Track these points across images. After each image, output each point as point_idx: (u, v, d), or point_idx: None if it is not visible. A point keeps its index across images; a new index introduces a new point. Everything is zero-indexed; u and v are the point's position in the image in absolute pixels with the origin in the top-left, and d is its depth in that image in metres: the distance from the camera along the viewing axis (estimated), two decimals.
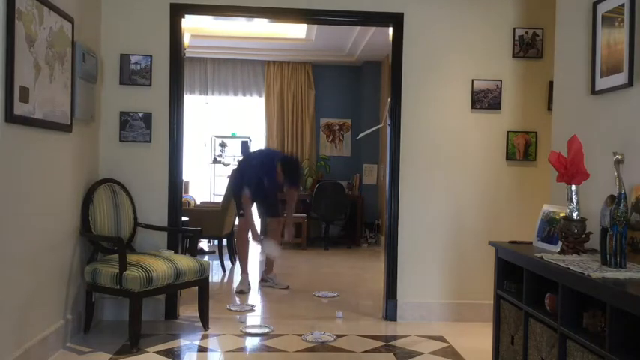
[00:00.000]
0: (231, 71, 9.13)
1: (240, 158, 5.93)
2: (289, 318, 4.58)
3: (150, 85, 4.35)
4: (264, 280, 5.68)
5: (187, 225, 5.51)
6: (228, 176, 6.58)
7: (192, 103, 8.83)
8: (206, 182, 9.41)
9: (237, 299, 5.17)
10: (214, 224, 6.32)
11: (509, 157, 4.53)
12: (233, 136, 9.21)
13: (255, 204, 5.62)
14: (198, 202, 7.86)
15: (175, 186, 4.42)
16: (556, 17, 3.48)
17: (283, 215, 5.85)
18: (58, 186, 3.59)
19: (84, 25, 3.90)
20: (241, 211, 5.57)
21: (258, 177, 5.44)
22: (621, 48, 2.67)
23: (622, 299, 1.95)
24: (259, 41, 8.31)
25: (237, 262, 6.00)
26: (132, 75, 4.33)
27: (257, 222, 5.85)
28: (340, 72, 9.27)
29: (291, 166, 5.50)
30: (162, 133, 4.37)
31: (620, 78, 2.69)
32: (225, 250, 6.78)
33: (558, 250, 2.71)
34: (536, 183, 4.45)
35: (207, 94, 9.16)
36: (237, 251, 5.81)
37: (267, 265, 5.74)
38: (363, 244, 8.61)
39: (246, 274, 5.56)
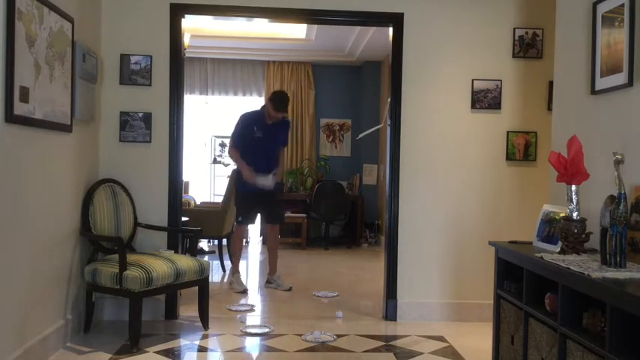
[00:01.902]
0: (231, 71, 9.13)
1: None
2: (289, 318, 4.58)
3: (150, 85, 4.35)
4: (268, 282, 5.68)
5: (187, 225, 5.51)
6: (229, 176, 6.53)
7: (192, 103, 8.83)
8: (206, 182, 9.41)
9: (241, 299, 5.16)
10: (214, 224, 6.32)
11: (509, 157, 4.53)
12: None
13: (259, 210, 5.63)
14: (198, 202, 7.86)
15: (175, 186, 4.42)
16: (556, 17, 3.49)
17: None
18: (58, 186, 3.59)
19: (84, 25, 3.90)
20: (240, 218, 5.59)
21: (248, 131, 5.43)
22: (621, 48, 2.67)
23: (622, 299, 1.95)
24: (259, 41, 8.30)
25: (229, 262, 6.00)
26: (132, 75, 4.33)
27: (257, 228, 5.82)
28: (340, 72, 9.26)
29: (278, 94, 5.56)
30: (162, 133, 4.37)
31: (620, 78, 2.69)
32: (225, 250, 6.77)
33: (558, 250, 2.71)
34: (536, 183, 4.45)
35: (207, 94, 9.15)
36: (231, 250, 5.83)
37: (271, 267, 5.76)
38: (363, 244, 8.60)
39: (239, 273, 5.61)
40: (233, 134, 5.52)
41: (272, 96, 5.53)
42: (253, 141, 5.47)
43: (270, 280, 5.69)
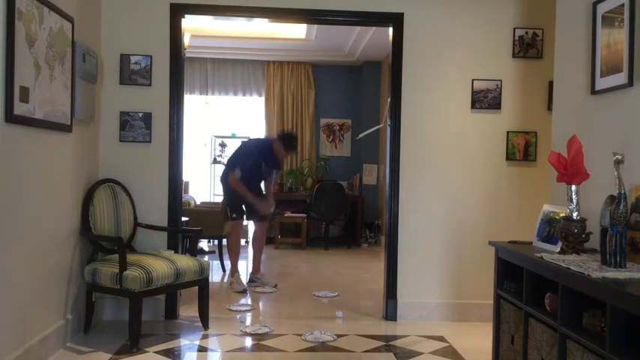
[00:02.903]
0: (231, 71, 9.13)
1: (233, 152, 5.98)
2: (289, 318, 4.58)
3: (150, 85, 4.35)
4: (252, 281, 5.69)
5: (187, 225, 5.52)
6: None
7: (192, 103, 8.83)
8: (206, 182, 9.41)
9: (241, 299, 5.16)
10: (214, 224, 6.33)
11: (509, 157, 4.53)
12: (233, 136, 9.21)
13: (245, 209, 5.68)
14: (198, 202, 7.86)
15: (175, 186, 4.42)
16: (556, 17, 3.49)
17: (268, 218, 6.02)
18: (58, 186, 3.59)
19: (84, 25, 3.90)
20: (234, 215, 5.63)
21: (256, 161, 5.55)
22: (621, 48, 2.67)
23: (622, 299, 1.95)
24: (259, 41, 8.31)
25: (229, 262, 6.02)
26: (132, 75, 4.33)
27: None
28: (340, 72, 9.26)
29: (290, 137, 5.77)
30: (162, 133, 4.37)
31: (620, 78, 2.69)
32: (225, 250, 6.77)
33: (558, 250, 2.71)
34: (536, 183, 4.45)
35: (207, 94, 9.16)
36: (230, 249, 5.83)
37: (255, 266, 5.79)
38: (363, 244, 8.60)
39: (239, 273, 5.63)
40: (240, 162, 5.53)
41: (284, 138, 5.70)
42: (256, 171, 5.62)
43: (253, 279, 5.70)
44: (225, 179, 5.71)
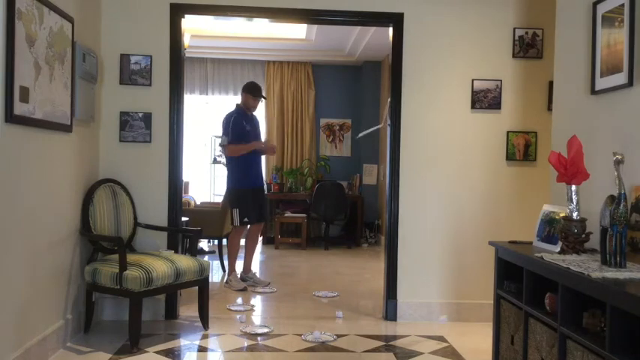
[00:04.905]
0: (231, 71, 9.13)
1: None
2: (289, 318, 4.58)
3: (150, 85, 4.35)
4: (243, 280, 5.69)
5: (187, 225, 5.52)
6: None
7: (192, 103, 8.83)
8: (206, 182, 9.41)
9: (240, 299, 5.17)
10: (214, 224, 6.32)
11: (509, 157, 4.53)
12: None
13: (255, 206, 5.66)
14: (198, 202, 7.86)
15: (175, 186, 4.42)
16: (556, 17, 3.49)
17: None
18: (58, 186, 3.59)
19: (84, 25, 3.90)
20: (246, 219, 5.58)
21: (247, 130, 5.58)
22: (621, 48, 2.67)
23: (622, 299, 1.95)
24: (259, 41, 8.31)
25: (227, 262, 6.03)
26: (132, 75, 4.33)
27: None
28: (340, 72, 9.26)
29: (252, 84, 5.75)
30: (162, 133, 4.37)
31: (620, 78, 2.69)
32: (225, 250, 6.77)
33: (558, 250, 2.71)
34: (536, 183, 4.45)
35: (207, 94, 9.15)
36: (229, 251, 5.82)
37: (246, 265, 5.82)
38: (363, 244, 8.60)
39: (236, 272, 5.65)
40: (229, 133, 5.54)
41: (248, 87, 5.72)
42: (246, 135, 5.58)
43: (244, 278, 5.71)
44: (231, 186, 5.69)
